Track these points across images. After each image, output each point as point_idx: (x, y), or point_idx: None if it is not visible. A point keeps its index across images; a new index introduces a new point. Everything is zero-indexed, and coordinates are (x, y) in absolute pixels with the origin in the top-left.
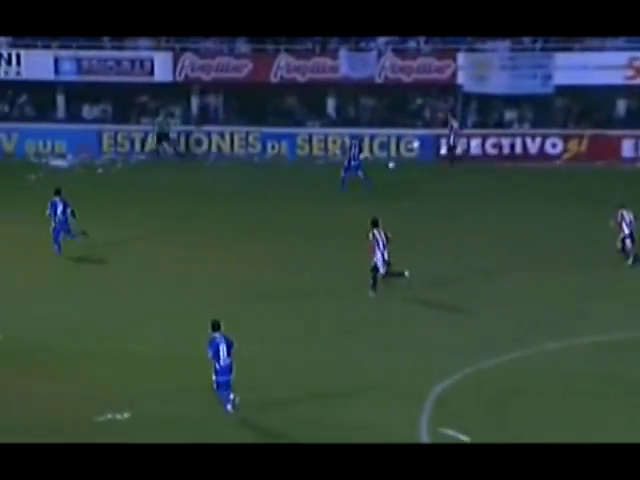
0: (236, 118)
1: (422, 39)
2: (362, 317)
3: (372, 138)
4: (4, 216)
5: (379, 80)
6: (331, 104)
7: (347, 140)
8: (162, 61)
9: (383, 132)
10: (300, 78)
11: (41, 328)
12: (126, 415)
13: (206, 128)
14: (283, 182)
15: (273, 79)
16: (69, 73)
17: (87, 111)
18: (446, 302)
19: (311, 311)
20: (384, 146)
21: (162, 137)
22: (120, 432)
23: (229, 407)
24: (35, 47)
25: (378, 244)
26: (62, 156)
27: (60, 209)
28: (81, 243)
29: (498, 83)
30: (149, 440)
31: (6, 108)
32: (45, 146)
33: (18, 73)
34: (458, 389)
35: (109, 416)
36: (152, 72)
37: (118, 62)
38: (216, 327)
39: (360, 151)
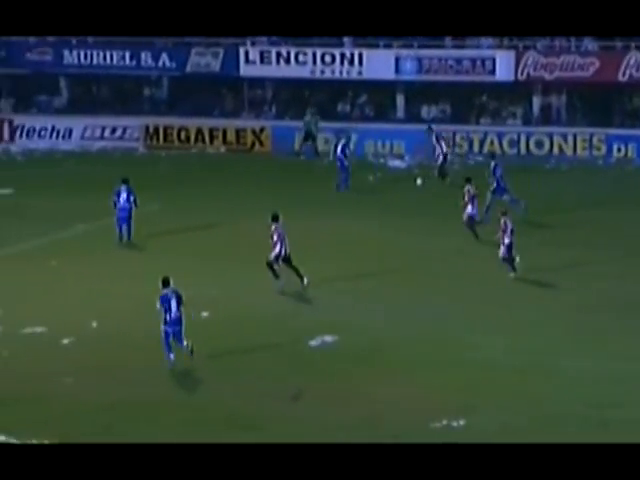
0: (580, 119)
1: None
2: None
3: None
4: (342, 217)
5: None
6: None
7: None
8: (504, 60)
9: None
10: None
11: (380, 332)
12: (461, 422)
13: (548, 129)
14: (628, 187)
15: (621, 78)
16: (409, 73)
17: (426, 111)
18: None
19: None
20: None
21: (309, 136)
22: (453, 439)
23: (172, 356)
24: (377, 47)
25: (279, 237)
26: (400, 157)
27: (124, 197)
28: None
29: None
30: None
31: (347, 108)
32: (384, 146)
33: (359, 73)
34: None
35: (444, 422)
36: (493, 71)
37: (459, 61)
38: (166, 283)
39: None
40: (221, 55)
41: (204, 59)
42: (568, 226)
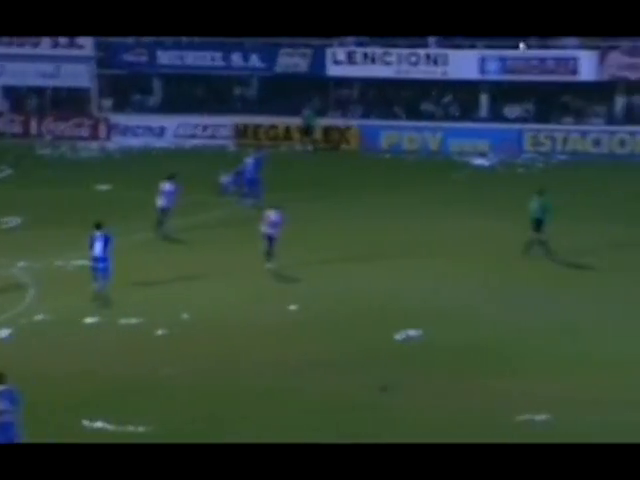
0: None
1: None
2: None
3: None
4: (436, 213)
5: None
6: None
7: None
8: (587, 60)
9: None
10: None
11: (496, 327)
12: (543, 417)
13: (631, 128)
14: None
15: None
16: (493, 72)
17: (509, 110)
18: None
19: None
20: None
21: (307, 130)
22: (534, 434)
23: (95, 285)
24: (461, 47)
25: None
26: (484, 155)
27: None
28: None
29: None
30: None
31: (431, 107)
32: (468, 145)
33: (444, 73)
34: None
35: (527, 416)
36: (576, 71)
37: (542, 61)
38: (98, 226)
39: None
40: (309, 55)
41: (293, 59)
42: None
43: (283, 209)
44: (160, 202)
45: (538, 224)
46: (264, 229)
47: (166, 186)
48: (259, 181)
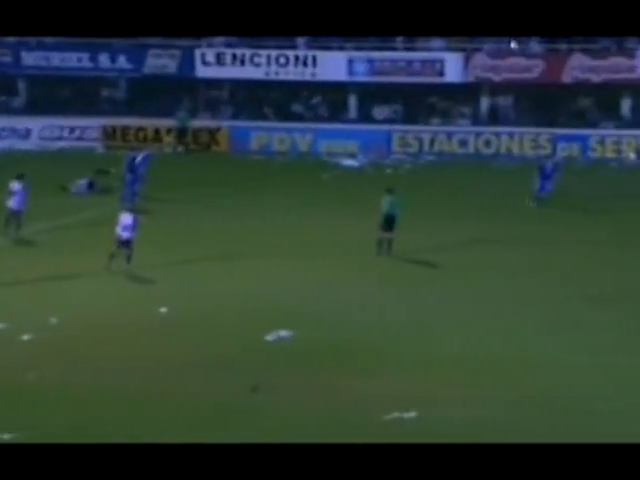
0: (527, 119)
1: None
2: None
3: None
4: (307, 214)
5: None
6: (626, 105)
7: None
8: (453, 62)
9: None
10: (595, 78)
11: (365, 327)
12: (412, 415)
13: (495, 129)
14: (573, 185)
15: (566, 79)
16: (362, 74)
17: (378, 112)
18: None
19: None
20: None
21: (182, 132)
22: (404, 434)
23: None
24: (330, 49)
25: None
26: (353, 156)
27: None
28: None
29: None
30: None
31: (301, 108)
32: (337, 146)
33: (313, 74)
34: None
35: (395, 415)
36: (442, 73)
37: (409, 63)
38: None
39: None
40: (178, 57)
41: (161, 60)
42: (511, 223)
43: (137, 213)
44: (11, 204)
45: (390, 222)
46: (118, 232)
47: (15, 186)
48: (139, 181)
